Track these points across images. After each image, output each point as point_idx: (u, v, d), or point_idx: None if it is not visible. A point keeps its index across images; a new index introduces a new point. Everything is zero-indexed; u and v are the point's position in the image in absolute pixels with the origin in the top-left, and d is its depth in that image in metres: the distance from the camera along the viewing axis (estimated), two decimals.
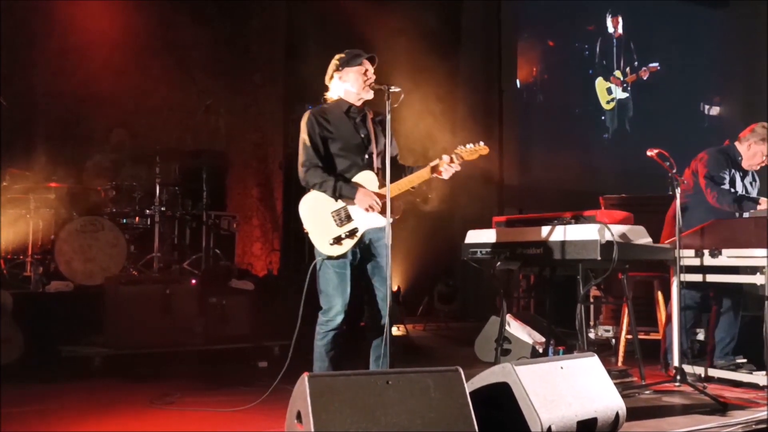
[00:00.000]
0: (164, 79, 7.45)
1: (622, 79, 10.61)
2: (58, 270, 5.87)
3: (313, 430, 2.65)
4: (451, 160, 3.74)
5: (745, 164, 5.08)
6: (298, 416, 2.79)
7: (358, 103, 3.82)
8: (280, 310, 5.91)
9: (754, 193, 5.16)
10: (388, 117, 3.56)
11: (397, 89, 3.57)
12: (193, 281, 5.77)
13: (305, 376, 2.75)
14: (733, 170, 5.05)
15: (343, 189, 3.63)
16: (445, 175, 3.75)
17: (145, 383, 4.69)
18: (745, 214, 4.93)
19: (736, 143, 5.11)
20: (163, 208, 6.53)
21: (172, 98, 7.52)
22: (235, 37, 8.00)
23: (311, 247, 3.74)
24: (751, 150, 5.03)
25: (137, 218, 6.50)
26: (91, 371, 4.94)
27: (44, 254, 6.05)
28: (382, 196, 3.62)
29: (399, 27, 8.66)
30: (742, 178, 5.11)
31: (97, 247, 5.99)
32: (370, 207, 3.62)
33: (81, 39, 7.05)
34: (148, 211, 6.51)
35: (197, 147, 7.55)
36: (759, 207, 4.75)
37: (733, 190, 4.97)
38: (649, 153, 4.53)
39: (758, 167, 5.13)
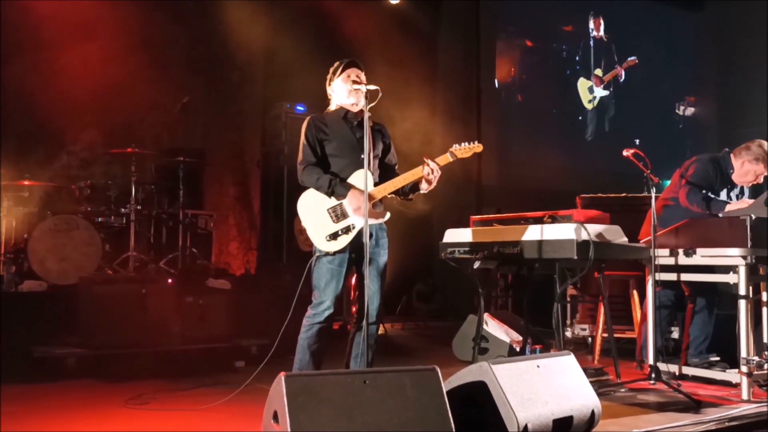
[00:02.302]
0: (140, 76, 7.36)
1: (601, 76, 10.69)
2: (32, 269, 5.78)
3: (289, 430, 2.64)
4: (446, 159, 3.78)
5: (735, 179, 5.03)
6: (275, 416, 2.78)
7: (355, 110, 3.88)
8: (257, 309, 5.88)
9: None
10: (366, 115, 3.58)
11: (375, 87, 3.59)
12: (170, 280, 5.73)
13: (282, 376, 2.74)
14: (719, 182, 5.00)
15: (336, 187, 3.72)
16: (425, 171, 3.75)
17: (121, 384, 4.64)
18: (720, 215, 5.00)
19: (732, 155, 5.03)
20: (139, 207, 6.47)
21: (148, 96, 7.43)
22: (212, 35, 7.94)
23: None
24: (743, 168, 4.98)
25: (113, 217, 6.43)
26: (65, 372, 4.87)
27: (17, 253, 5.96)
28: (373, 198, 3.72)
29: (377, 27, 8.66)
30: (729, 190, 5.09)
31: (72, 246, 5.92)
32: (360, 208, 3.66)
33: (55, 35, 6.94)
34: (123, 209, 6.44)
35: (174, 145, 7.48)
36: (728, 207, 4.79)
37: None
38: (625, 153, 4.58)
39: (749, 185, 5.08)
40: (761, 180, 5.04)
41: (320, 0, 8.26)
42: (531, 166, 9.81)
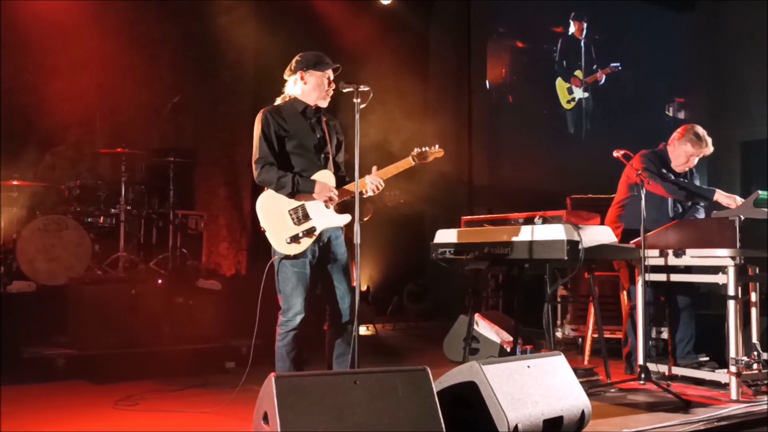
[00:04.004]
0: (131, 75, 7.33)
1: (582, 78, 10.72)
2: (20, 270, 5.75)
3: (279, 430, 2.63)
4: (415, 159, 3.77)
5: (674, 167, 5.10)
6: (265, 417, 2.77)
7: (313, 105, 3.84)
8: (247, 310, 5.82)
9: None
10: (357, 116, 3.57)
11: (366, 88, 3.58)
12: (160, 281, 5.71)
13: (272, 377, 2.73)
14: (664, 172, 5.05)
15: (300, 184, 3.65)
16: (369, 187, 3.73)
17: (110, 384, 4.63)
18: (698, 210, 5.06)
19: (667, 145, 5.14)
20: (128, 207, 6.44)
21: (138, 95, 7.40)
22: (203, 34, 7.91)
23: None
24: (676, 151, 5.07)
25: (102, 217, 6.40)
26: (55, 373, 4.85)
27: (6, 253, 5.92)
28: (343, 192, 3.66)
29: (368, 27, 8.66)
30: (679, 179, 5.12)
31: (61, 246, 5.89)
32: (329, 199, 3.63)
33: (45, 33, 6.91)
34: (113, 209, 6.41)
35: (164, 145, 7.44)
36: (718, 196, 4.80)
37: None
38: (615, 154, 4.60)
39: (685, 168, 5.11)
40: (694, 162, 5.10)
41: (310, 0, 8.26)
42: (522, 167, 9.82)
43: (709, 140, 5.04)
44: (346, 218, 3.74)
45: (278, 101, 3.90)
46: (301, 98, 3.83)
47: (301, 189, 3.65)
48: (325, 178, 3.73)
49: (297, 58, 3.85)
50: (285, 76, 3.90)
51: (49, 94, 6.90)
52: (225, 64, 8.18)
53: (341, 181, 3.81)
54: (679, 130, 5.12)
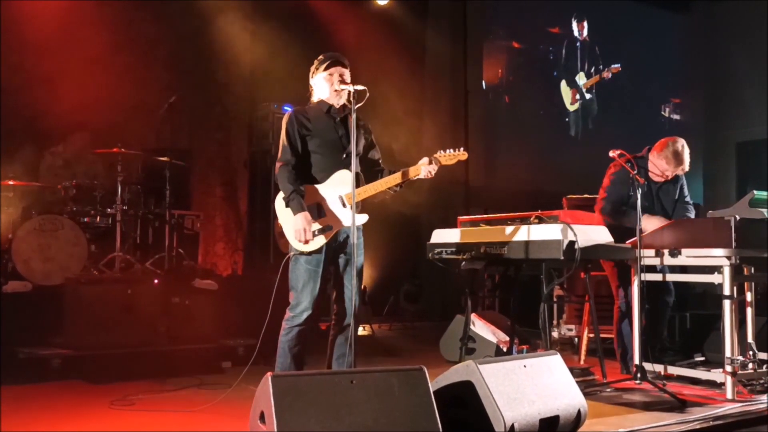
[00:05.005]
0: (127, 75, 7.32)
1: (584, 81, 10.74)
2: (16, 270, 5.73)
3: (276, 430, 2.63)
4: (430, 162, 3.77)
5: (650, 174, 5.09)
6: (262, 417, 2.77)
7: (337, 106, 3.85)
8: (244, 310, 5.86)
9: (668, 201, 5.12)
10: (354, 116, 3.58)
11: (362, 88, 3.59)
12: (156, 281, 5.69)
13: (268, 376, 2.73)
14: (631, 194, 4.89)
15: (291, 202, 3.65)
16: (422, 174, 3.76)
17: (106, 385, 4.62)
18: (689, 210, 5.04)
19: (650, 154, 5.12)
20: (125, 207, 6.42)
21: (134, 95, 7.39)
22: (198, 34, 7.90)
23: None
24: (654, 161, 5.06)
25: (98, 217, 6.38)
26: (50, 373, 4.83)
27: (1, 253, 5.90)
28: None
29: (365, 27, 8.66)
30: (658, 189, 5.11)
31: (57, 246, 5.87)
32: (298, 233, 3.61)
33: (41, 34, 6.90)
34: (109, 209, 6.40)
35: (160, 145, 7.43)
36: (646, 225, 4.69)
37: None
38: (611, 154, 4.61)
39: (661, 180, 5.09)
40: (669, 176, 5.07)
41: (308, 0, 8.26)
42: (518, 167, 9.83)
43: (687, 160, 5.02)
44: (363, 218, 3.75)
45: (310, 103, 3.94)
46: (325, 100, 3.86)
47: (290, 207, 3.65)
48: (342, 178, 3.73)
49: (312, 66, 3.90)
50: (310, 83, 3.94)
51: (45, 94, 6.88)
52: (221, 64, 8.17)
53: (375, 177, 3.84)
54: (662, 141, 5.07)
